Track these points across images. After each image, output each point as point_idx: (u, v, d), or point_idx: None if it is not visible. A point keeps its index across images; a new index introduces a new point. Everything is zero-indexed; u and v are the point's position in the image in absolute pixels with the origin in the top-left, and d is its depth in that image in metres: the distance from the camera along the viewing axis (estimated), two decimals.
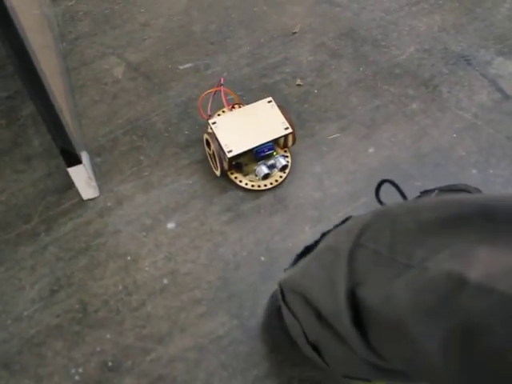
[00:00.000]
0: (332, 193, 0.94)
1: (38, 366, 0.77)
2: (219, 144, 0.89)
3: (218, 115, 1.00)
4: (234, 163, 0.91)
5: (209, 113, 0.95)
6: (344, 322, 0.50)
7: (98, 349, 0.79)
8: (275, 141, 0.92)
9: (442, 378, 0.43)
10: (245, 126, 0.91)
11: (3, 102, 1.05)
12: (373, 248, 0.49)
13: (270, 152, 0.92)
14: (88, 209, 0.91)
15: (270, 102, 0.94)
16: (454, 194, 0.81)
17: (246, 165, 0.94)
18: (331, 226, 0.70)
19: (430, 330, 0.41)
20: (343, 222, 0.67)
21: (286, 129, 0.91)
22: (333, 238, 0.57)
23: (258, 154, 0.91)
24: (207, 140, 0.92)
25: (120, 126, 1.01)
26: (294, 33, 1.18)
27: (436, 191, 0.84)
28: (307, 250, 0.70)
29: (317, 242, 0.68)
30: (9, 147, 0.99)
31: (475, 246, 0.41)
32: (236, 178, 0.93)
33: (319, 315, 0.57)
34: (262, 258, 0.87)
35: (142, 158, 0.98)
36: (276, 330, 0.76)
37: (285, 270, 0.73)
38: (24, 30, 0.66)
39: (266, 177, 0.92)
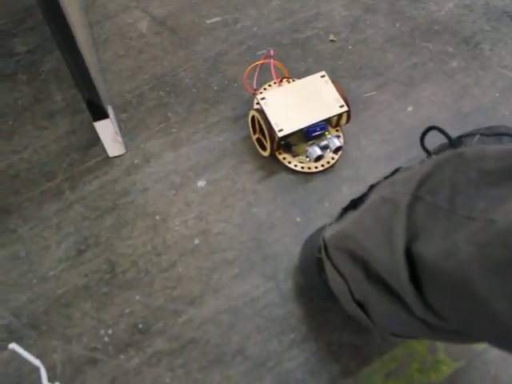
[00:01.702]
0: (369, 152, 0.89)
1: (66, 327, 0.74)
2: (269, 122, 0.82)
3: (265, 89, 0.93)
4: (282, 143, 0.85)
5: (254, 87, 0.89)
6: (401, 277, 0.46)
7: (128, 310, 0.76)
8: (328, 119, 0.85)
9: (510, 337, 0.40)
10: (296, 103, 0.84)
11: (23, 56, 1.00)
12: (431, 201, 0.46)
13: (322, 132, 0.85)
14: (114, 166, 0.87)
15: (323, 76, 0.86)
16: None
17: (295, 145, 0.87)
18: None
19: (500, 286, 0.37)
20: (392, 173, 0.64)
21: (341, 107, 0.84)
22: (389, 188, 0.53)
23: (309, 134, 0.84)
24: (253, 117, 0.85)
25: (146, 82, 0.97)
26: None
27: (478, 136, 0.80)
28: (353, 203, 0.66)
29: (364, 196, 0.65)
30: (30, 103, 0.94)
31: None
32: (284, 158, 0.86)
33: (368, 271, 0.54)
34: (298, 219, 0.82)
35: (169, 114, 0.93)
36: (313, 280, 0.73)
37: (329, 224, 0.69)
38: None
39: (318, 159, 0.85)
